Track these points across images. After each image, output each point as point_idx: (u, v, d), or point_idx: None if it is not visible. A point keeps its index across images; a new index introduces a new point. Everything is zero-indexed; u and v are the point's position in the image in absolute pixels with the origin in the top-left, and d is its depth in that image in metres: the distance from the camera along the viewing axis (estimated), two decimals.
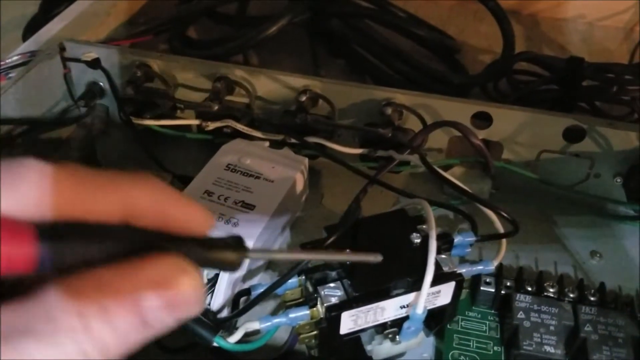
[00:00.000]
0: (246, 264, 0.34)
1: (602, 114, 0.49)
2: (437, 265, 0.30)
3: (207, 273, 0.34)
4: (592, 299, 0.33)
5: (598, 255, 0.39)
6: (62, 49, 0.46)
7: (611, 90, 0.49)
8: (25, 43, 0.49)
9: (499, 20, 0.53)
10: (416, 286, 0.29)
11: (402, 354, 0.32)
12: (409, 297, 0.30)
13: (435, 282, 0.29)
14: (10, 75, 0.44)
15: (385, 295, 0.29)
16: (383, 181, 0.40)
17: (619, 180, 0.42)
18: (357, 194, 0.36)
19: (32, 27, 0.60)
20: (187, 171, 0.42)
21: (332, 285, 0.29)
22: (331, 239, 0.29)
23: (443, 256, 0.31)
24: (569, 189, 0.42)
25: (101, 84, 0.46)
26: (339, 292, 0.29)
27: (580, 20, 0.64)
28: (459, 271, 0.31)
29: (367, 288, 0.29)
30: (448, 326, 0.34)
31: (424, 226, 0.31)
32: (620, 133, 0.41)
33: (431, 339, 0.34)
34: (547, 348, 0.30)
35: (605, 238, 0.41)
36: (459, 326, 0.34)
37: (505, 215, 0.33)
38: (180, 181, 0.40)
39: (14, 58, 0.46)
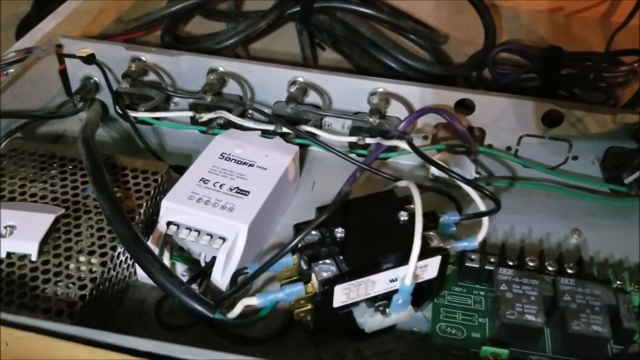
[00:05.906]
0: (243, 242, 0.35)
1: (581, 101, 0.51)
2: (424, 241, 0.31)
3: (205, 256, 0.36)
4: (570, 271, 0.35)
5: (577, 232, 0.41)
6: (58, 45, 0.47)
7: (589, 78, 0.51)
8: (20, 40, 0.50)
9: (481, 12, 0.55)
10: (405, 260, 0.31)
11: (392, 327, 0.34)
12: (398, 271, 0.31)
13: (422, 256, 0.31)
14: (8, 71, 0.45)
15: (375, 269, 0.31)
16: (372, 167, 0.42)
17: (596, 161, 0.44)
18: (347, 180, 0.38)
19: (25, 26, 0.61)
20: (182, 162, 0.44)
21: (326, 261, 0.31)
22: (322, 217, 0.31)
23: (430, 233, 0.33)
24: (549, 171, 0.44)
25: (96, 78, 0.47)
26: (332, 268, 0.31)
27: (559, 12, 0.66)
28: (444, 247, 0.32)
29: (358, 263, 0.31)
30: (435, 300, 0.35)
31: (412, 205, 0.33)
32: (597, 116, 0.42)
33: (419, 314, 0.35)
34: (529, 317, 0.32)
35: (585, 217, 0.42)
36: (445, 300, 0.35)
37: (488, 192, 0.35)
38: (176, 171, 0.42)
39: (10, 55, 0.47)
